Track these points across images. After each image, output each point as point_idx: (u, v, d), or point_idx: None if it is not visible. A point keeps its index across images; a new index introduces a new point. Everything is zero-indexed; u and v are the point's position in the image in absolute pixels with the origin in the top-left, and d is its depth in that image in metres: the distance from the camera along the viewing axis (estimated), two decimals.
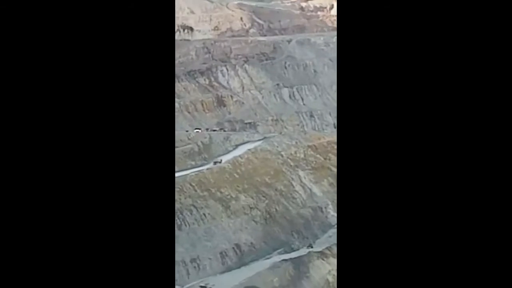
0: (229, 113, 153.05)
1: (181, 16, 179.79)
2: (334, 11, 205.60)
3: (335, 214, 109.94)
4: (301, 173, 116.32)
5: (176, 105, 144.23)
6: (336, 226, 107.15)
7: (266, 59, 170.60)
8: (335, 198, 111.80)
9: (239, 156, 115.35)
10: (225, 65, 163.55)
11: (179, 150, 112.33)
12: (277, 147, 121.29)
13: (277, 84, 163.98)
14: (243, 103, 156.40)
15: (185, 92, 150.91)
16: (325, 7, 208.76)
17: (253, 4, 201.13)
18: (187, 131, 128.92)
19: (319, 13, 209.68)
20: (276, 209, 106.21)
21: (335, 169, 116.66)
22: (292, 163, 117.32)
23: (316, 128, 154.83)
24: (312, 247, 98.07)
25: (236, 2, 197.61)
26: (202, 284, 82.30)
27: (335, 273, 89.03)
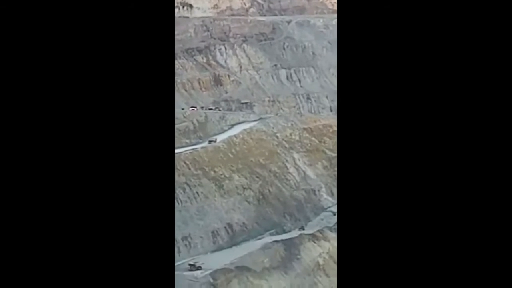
0: (226, 92, 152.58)
1: None
2: None
3: (328, 197, 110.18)
4: (295, 155, 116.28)
5: None
6: (328, 209, 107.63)
7: (265, 40, 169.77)
8: (329, 181, 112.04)
9: (234, 136, 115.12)
10: (224, 44, 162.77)
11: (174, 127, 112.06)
12: (273, 128, 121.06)
13: (275, 65, 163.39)
14: (240, 82, 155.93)
15: (183, 70, 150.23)
16: None
17: None
18: (183, 109, 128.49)
19: None
20: (269, 190, 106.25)
21: (329, 152, 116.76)
22: (287, 145, 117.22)
23: (313, 111, 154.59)
24: (304, 229, 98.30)
25: None
26: (191, 263, 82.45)
27: (326, 256, 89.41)
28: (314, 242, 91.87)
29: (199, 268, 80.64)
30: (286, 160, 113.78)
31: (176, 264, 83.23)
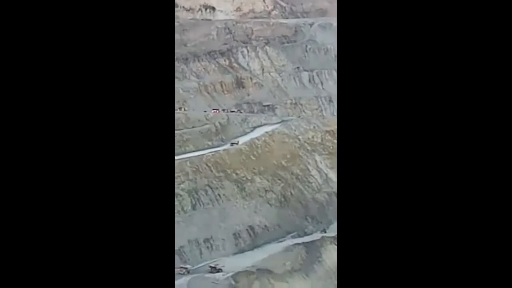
0: (248, 94, 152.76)
1: None
2: None
3: None
4: (317, 157, 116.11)
5: (195, 85, 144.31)
6: None
7: (287, 42, 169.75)
8: None
9: (256, 138, 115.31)
10: (246, 47, 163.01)
11: (196, 130, 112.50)
12: (295, 130, 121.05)
13: (297, 68, 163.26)
14: (262, 85, 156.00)
15: (205, 72, 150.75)
16: None
17: None
18: (205, 111, 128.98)
19: None
20: (291, 193, 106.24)
21: None
22: (309, 147, 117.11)
23: (335, 113, 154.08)
24: (325, 232, 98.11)
25: None
26: (212, 265, 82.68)
27: None
28: (336, 245, 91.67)
29: (219, 271, 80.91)
30: (308, 163, 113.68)
31: (197, 266, 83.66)
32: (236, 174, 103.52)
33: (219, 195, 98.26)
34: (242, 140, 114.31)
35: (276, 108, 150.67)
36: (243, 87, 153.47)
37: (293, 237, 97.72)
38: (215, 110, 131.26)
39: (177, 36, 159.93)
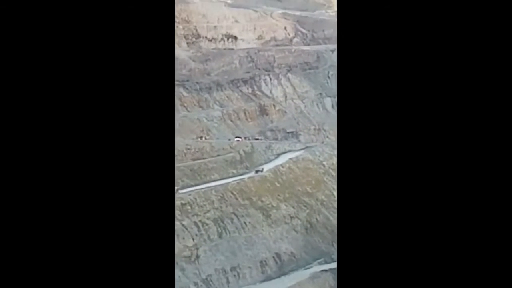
0: (272, 122, 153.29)
1: (225, 25, 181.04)
2: None
3: None
4: None
5: (219, 113, 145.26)
6: None
7: (309, 68, 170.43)
8: None
9: (281, 165, 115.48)
10: (268, 74, 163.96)
11: (221, 158, 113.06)
12: (319, 156, 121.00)
13: (320, 94, 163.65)
14: (285, 112, 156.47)
15: (228, 101, 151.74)
16: None
17: (297, 13, 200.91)
18: (229, 139, 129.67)
19: None
20: (317, 219, 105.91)
21: None
22: (333, 173, 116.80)
23: None
24: None
25: (280, 12, 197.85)
26: None
27: None
28: None
29: None
30: (333, 188, 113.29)
31: None
32: (262, 201, 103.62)
33: (245, 223, 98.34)
34: (267, 167, 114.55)
35: (300, 134, 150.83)
36: (266, 115, 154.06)
37: (320, 263, 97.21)
38: (238, 138, 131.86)
39: (200, 66, 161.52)
